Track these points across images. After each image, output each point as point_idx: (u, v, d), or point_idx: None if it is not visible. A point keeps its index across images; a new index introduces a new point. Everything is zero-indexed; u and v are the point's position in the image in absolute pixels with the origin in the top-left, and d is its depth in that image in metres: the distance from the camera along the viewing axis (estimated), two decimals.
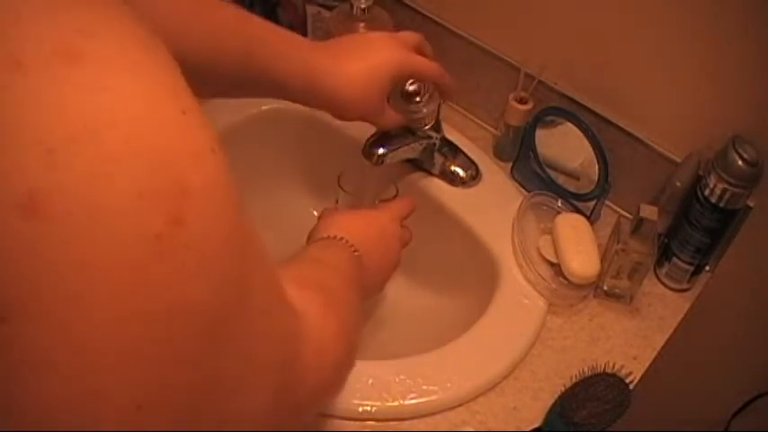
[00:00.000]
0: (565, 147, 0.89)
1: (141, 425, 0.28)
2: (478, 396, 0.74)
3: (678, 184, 0.83)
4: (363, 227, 0.73)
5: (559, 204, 0.89)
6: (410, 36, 0.77)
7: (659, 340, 0.82)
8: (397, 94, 0.84)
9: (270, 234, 1.03)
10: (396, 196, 0.84)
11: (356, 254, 0.67)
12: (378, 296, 0.97)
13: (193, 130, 0.29)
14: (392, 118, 0.78)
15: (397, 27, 0.94)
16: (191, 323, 0.29)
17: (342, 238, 0.68)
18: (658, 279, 0.88)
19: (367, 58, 0.72)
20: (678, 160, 0.84)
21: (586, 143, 0.86)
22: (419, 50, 0.77)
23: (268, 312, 0.37)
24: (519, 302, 0.81)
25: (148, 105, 0.28)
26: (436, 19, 0.98)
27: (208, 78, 0.67)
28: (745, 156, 0.76)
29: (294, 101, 0.71)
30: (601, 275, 0.82)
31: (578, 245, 0.82)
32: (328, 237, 0.69)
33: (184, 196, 0.28)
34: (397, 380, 0.73)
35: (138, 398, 0.28)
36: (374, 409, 0.71)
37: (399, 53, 0.73)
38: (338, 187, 0.84)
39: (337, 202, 0.85)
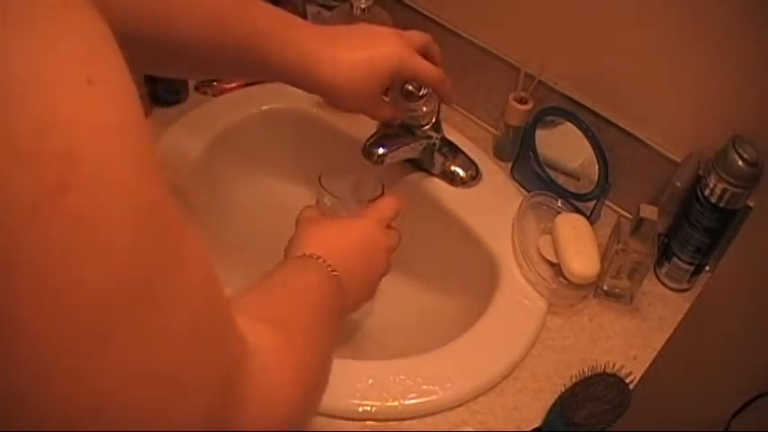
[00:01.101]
0: (565, 147, 0.89)
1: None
2: (478, 396, 0.74)
3: (678, 184, 0.83)
4: (344, 240, 0.70)
5: (559, 204, 0.89)
6: (417, 36, 0.76)
7: (659, 340, 0.82)
8: (397, 91, 0.84)
9: (270, 234, 1.03)
10: (381, 195, 0.80)
11: (334, 274, 0.64)
12: (377, 296, 0.97)
13: (96, 101, 0.27)
14: (387, 111, 0.77)
15: (397, 27, 0.94)
16: (78, 308, 0.26)
17: (319, 257, 0.65)
18: (658, 279, 0.88)
19: (368, 49, 0.71)
20: (678, 160, 0.84)
21: (586, 143, 0.86)
22: (425, 52, 0.76)
23: (192, 315, 0.33)
24: (519, 302, 0.81)
25: (45, 68, 0.26)
26: (436, 19, 0.98)
27: (207, 60, 0.66)
28: (745, 156, 0.76)
29: (291, 84, 0.71)
30: (601, 275, 0.82)
31: (578, 245, 0.82)
32: (303, 255, 0.65)
33: (71, 164, 0.26)
34: (397, 380, 0.73)
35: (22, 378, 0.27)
36: (374, 409, 0.71)
37: (402, 51, 0.72)
38: (320, 187, 0.80)
39: (318, 202, 0.81)
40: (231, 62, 0.67)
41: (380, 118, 0.78)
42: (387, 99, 0.79)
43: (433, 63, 0.76)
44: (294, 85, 0.71)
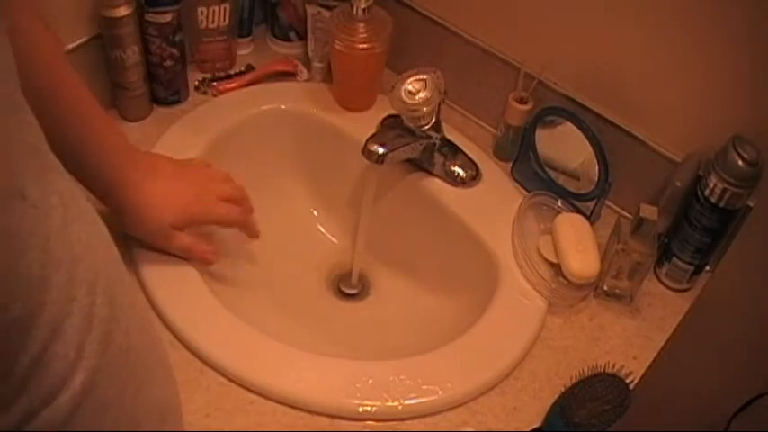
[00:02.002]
0: (565, 147, 0.89)
1: None
2: (478, 396, 0.74)
3: (678, 184, 0.83)
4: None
5: (559, 204, 0.89)
6: (227, 186, 0.82)
7: (659, 340, 0.82)
8: (398, 92, 0.84)
9: (270, 234, 1.03)
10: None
11: None
12: (377, 296, 0.97)
13: None
14: (180, 242, 0.77)
15: (397, 27, 0.94)
16: None
17: None
18: (658, 279, 0.88)
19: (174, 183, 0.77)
20: (678, 160, 0.84)
21: (586, 143, 0.86)
22: (230, 198, 0.81)
23: None
24: (519, 302, 0.81)
25: None
26: (436, 19, 0.98)
27: None
28: (745, 156, 0.76)
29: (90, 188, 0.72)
30: (601, 275, 0.82)
31: (578, 245, 0.82)
32: None
33: None
34: (397, 380, 0.73)
35: None
36: (374, 409, 0.71)
37: (203, 199, 0.78)
38: None
39: None
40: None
41: (173, 250, 0.78)
42: (181, 233, 0.78)
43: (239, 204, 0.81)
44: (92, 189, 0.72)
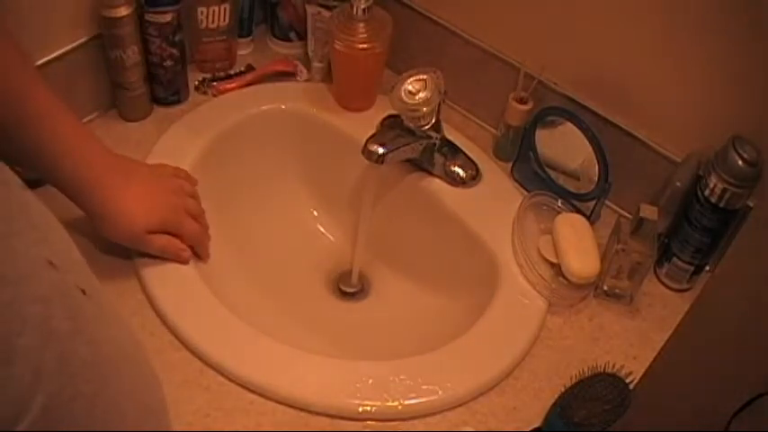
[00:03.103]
0: (565, 147, 0.89)
1: None
2: (478, 396, 0.74)
3: (678, 184, 0.83)
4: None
5: (559, 204, 0.89)
6: (193, 204, 0.82)
7: (659, 340, 0.82)
8: (398, 92, 0.84)
9: (270, 234, 1.03)
10: None
11: None
12: (378, 296, 0.97)
13: None
14: (156, 243, 0.78)
15: (397, 27, 0.94)
16: None
17: None
18: (658, 279, 0.88)
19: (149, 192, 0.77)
20: (678, 160, 0.84)
21: (586, 143, 0.86)
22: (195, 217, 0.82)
23: None
24: (519, 302, 0.81)
25: None
26: (436, 19, 0.98)
27: None
28: (745, 156, 0.76)
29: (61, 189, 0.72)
30: (601, 275, 0.82)
31: (578, 245, 0.82)
32: None
33: None
34: (397, 380, 0.73)
35: None
36: (374, 409, 0.71)
37: (176, 209, 0.79)
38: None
39: None
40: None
41: (150, 251, 0.79)
42: (155, 235, 0.78)
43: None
44: (64, 191, 0.72)
